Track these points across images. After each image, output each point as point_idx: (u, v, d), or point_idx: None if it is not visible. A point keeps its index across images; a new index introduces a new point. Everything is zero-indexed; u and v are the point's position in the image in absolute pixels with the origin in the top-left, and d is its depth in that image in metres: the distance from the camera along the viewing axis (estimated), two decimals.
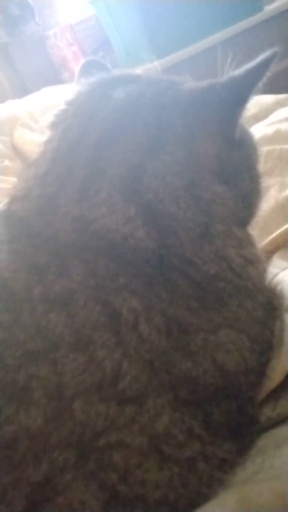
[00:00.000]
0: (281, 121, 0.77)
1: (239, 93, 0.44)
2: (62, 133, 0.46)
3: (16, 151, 1.34)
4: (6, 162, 1.23)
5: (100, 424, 0.35)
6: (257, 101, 0.90)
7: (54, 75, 2.18)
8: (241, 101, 0.45)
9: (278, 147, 0.70)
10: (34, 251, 0.41)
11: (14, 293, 0.39)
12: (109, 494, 0.35)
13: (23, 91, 2.05)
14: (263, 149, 0.69)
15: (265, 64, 0.44)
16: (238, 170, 0.47)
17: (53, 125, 0.48)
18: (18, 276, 0.39)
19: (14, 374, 0.35)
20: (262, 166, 0.54)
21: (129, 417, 0.36)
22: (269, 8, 1.85)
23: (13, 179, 0.99)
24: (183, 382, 0.38)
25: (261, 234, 0.60)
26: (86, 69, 0.56)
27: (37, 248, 0.41)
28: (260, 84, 0.45)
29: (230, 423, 0.40)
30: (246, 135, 0.50)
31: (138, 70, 1.44)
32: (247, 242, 0.46)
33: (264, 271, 0.48)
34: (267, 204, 0.64)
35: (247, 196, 0.48)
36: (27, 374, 0.35)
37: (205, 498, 0.36)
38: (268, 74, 0.45)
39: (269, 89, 1.02)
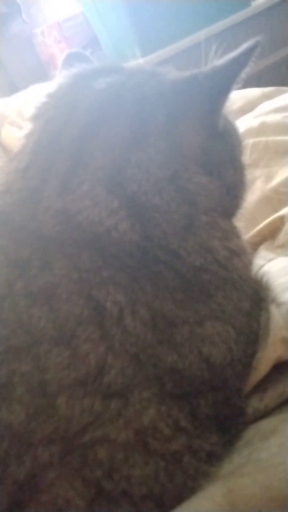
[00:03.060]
0: (267, 113, 0.77)
1: (222, 83, 0.44)
2: (43, 125, 0.46)
3: (5, 150, 1.33)
4: None
5: (84, 420, 0.35)
6: (243, 94, 0.90)
7: (42, 73, 2.16)
8: (224, 90, 0.44)
9: (263, 139, 0.70)
10: (16, 245, 0.40)
11: None
12: (94, 490, 0.34)
13: (11, 89, 2.03)
14: (249, 141, 0.69)
15: (248, 53, 0.43)
16: (222, 161, 0.47)
17: (34, 118, 0.47)
18: None
19: None
20: (247, 158, 0.53)
21: (115, 412, 0.35)
22: (256, 4, 1.85)
23: None
24: (169, 375, 0.38)
25: (247, 226, 0.60)
26: (68, 61, 0.55)
27: (19, 242, 0.41)
28: (243, 74, 0.45)
29: (216, 415, 0.40)
30: (230, 126, 0.50)
31: None
32: (232, 233, 0.46)
33: (249, 262, 0.48)
34: (253, 195, 0.64)
35: (231, 188, 0.47)
36: (9, 370, 0.35)
37: (191, 492, 0.36)
38: (256, 69, 0.45)
39: (257, 84, 1.02)
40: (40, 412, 0.34)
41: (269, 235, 0.60)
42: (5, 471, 0.33)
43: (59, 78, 0.50)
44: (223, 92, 0.44)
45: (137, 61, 1.46)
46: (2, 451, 0.33)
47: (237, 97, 0.88)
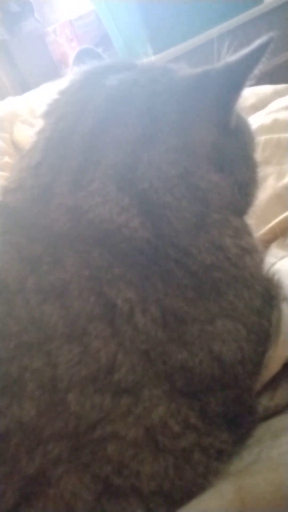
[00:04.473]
0: (279, 110, 0.77)
1: (234, 79, 0.44)
2: (54, 122, 0.46)
3: (16, 148, 1.33)
4: (6, 159, 1.22)
5: (95, 416, 0.35)
6: (255, 91, 0.89)
7: (54, 71, 2.17)
8: (236, 87, 0.44)
9: (276, 136, 0.69)
10: (28, 242, 0.41)
11: (7, 284, 0.38)
12: (102, 486, 0.34)
13: (23, 87, 2.04)
14: (261, 138, 0.69)
15: (261, 49, 0.43)
16: (234, 158, 0.46)
17: (46, 115, 0.47)
18: (11, 267, 0.39)
19: (7, 366, 0.35)
20: (260, 155, 0.53)
21: (125, 408, 0.35)
22: (269, 1, 1.84)
23: None
24: (179, 372, 0.38)
25: (259, 224, 0.60)
26: (80, 58, 0.55)
27: (30, 239, 0.41)
28: (256, 70, 0.44)
29: (227, 413, 0.40)
30: (242, 123, 0.49)
31: None
32: (243, 231, 0.46)
33: (261, 260, 0.48)
34: (264, 193, 0.63)
35: (243, 185, 0.47)
36: (20, 366, 0.35)
37: (200, 489, 0.36)
38: (268, 66, 0.44)
39: (270, 82, 1.01)
40: (51, 408, 0.34)
41: (280, 233, 0.60)
42: (15, 466, 0.34)
43: (71, 75, 0.50)
44: (236, 89, 0.44)
45: (149, 59, 1.46)
46: (13, 446, 0.34)
47: (249, 94, 0.88)
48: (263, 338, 0.44)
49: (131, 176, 0.41)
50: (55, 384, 0.35)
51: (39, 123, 0.48)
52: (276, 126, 0.72)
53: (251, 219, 0.50)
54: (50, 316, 0.37)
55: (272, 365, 0.43)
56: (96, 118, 0.44)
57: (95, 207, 0.41)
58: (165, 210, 0.41)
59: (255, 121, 0.74)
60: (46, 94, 1.60)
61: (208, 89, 0.44)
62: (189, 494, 0.36)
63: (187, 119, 0.44)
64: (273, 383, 0.43)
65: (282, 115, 0.74)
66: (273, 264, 0.51)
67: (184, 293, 0.40)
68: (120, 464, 0.35)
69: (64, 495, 0.34)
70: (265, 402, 0.43)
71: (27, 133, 1.32)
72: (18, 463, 0.34)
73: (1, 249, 0.40)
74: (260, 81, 0.53)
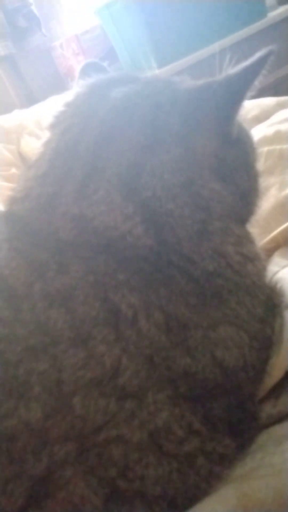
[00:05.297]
0: (281, 122, 0.78)
1: (235, 91, 0.45)
2: (61, 133, 0.47)
3: (23, 159, 1.35)
4: (13, 170, 1.24)
5: (99, 419, 0.35)
6: (258, 103, 0.90)
7: (60, 85, 2.20)
8: (237, 98, 0.45)
9: (278, 147, 0.70)
10: (34, 249, 0.41)
11: (14, 289, 0.39)
12: (109, 489, 0.35)
13: (30, 101, 2.07)
14: (264, 149, 0.70)
15: (261, 61, 0.44)
16: (235, 168, 0.47)
17: (52, 126, 0.49)
18: (18, 273, 0.40)
19: (14, 369, 0.36)
20: (262, 165, 0.54)
21: (129, 412, 0.36)
22: (273, 15, 1.86)
23: None
24: (183, 377, 0.38)
25: (262, 233, 0.60)
26: (86, 71, 0.57)
27: (37, 246, 0.42)
28: (256, 82, 0.45)
29: (230, 419, 0.40)
30: (244, 133, 0.50)
31: None
32: (246, 239, 0.46)
33: (263, 268, 0.48)
34: (267, 203, 0.64)
35: (245, 194, 0.48)
36: (27, 369, 0.36)
37: (204, 493, 0.36)
38: (272, 79, 0.45)
39: (274, 94, 1.02)
40: (57, 410, 0.35)
41: (283, 242, 0.60)
42: (23, 467, 0.34)
43: (77, 87, 0.51)
44: (237, 100, 0.45)
45: (153, 72, 1.48)
46: (20, 447, 0.34)
47: (252, 106, 0.89)
48: (266, 345, 0.44)
49: (135, 185, 0.42)
50: (61, 387, 0.35)
51: (46, 135, 0.49)
52: (278, 137, 0.73)
53: (253, 228, 0.50)
54: (56, 321, 0.37)
55: (275, 373, 0.43)
56: (100, 129, 0.45)
57: (100, 215, 0.42)
58: (168, 218, 0.42)
59: (257, 132, 0.75)
60: (53, 106, 1.61)
61: (210, 100, 0.45)
62: (192, 499, 0.36)
63: (189, 129, 0.45)
64: (276, 390, 0.43)
65: (284, 127, 0.75)
66: (276, 272, 0.52)
67: (187, 300, 0.40)
68: (125, 467, 0.35)
69: (73, 498, 0.34)
70: (268, 409, 0.43)
71: (34, 145, 1.34)
72: (25, 463, 0.34)
73: (9, 255, 0.41)
74: (264, 93, 0.54)
